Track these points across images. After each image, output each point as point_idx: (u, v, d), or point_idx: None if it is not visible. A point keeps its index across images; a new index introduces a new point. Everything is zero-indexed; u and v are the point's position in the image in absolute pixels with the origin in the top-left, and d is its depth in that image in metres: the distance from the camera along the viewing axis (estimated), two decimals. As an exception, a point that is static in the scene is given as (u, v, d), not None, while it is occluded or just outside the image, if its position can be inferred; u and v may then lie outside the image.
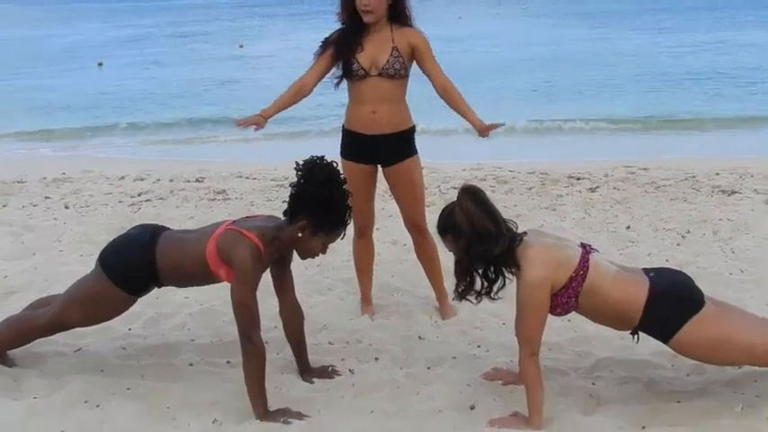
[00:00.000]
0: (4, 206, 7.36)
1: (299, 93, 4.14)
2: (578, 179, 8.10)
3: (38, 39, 39.83)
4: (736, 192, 7.27)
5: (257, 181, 8.47)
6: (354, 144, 4.20)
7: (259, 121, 4.04)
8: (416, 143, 4.29)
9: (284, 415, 3.25)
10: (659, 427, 3.10)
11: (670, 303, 3.15)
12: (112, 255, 3.54)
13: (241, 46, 34.67)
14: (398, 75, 4.07)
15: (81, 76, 24.18)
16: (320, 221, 3.30)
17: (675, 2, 42.40)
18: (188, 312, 4.45)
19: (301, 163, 3.35)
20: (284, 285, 3.67)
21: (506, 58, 22.94)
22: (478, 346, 3.98)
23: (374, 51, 4.03)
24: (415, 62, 4.16)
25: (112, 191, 8.09)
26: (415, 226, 4.38)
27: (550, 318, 3.23)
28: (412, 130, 4.23)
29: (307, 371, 3.69)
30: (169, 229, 3.67)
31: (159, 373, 3.68)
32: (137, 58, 30.02)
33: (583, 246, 3.27)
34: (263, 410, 3.25)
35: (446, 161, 9.06)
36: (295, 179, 3.34)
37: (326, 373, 3.69)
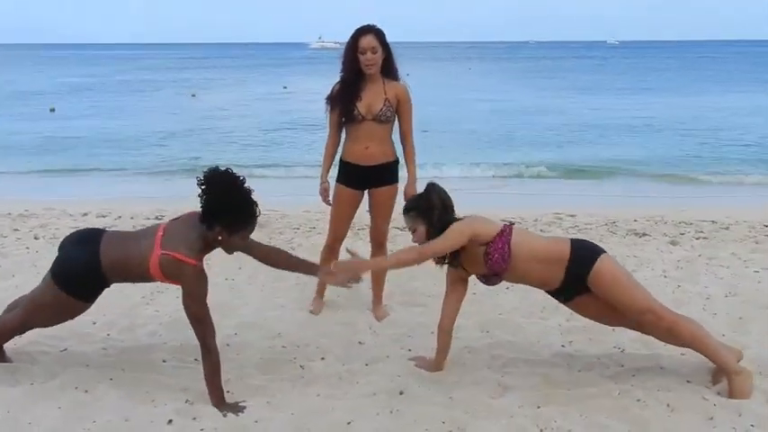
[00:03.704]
0: (-25, 238, 7.84)
1: (334, 151, 5.04)
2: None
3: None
4: (646, 234, 8.14)
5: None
6: (349, 172, 5.01)
7: (327, 189, 5.05)
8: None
9: (235, 408, 3.79)
10: (551, 406, 3.83)
11: (586, 245, 4.15)
12: (60, 264, 3.91)
13: (193, 95, 35.42)
14: (388, 120, 4.93)
15: (34, 120, 24.59)
16: (232, 225, 3.71)
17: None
18: (159, 322, 5.08)
19: (201, 177, 3.65)
20: (254, 251, 4.11)
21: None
22: (409, 350, 4.67)
23: (370, 100, 4.86)
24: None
25: (77, 225, 8.58)
26: (377, 239, 5.22)
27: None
28: (396, 162, 5.07)
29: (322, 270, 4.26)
30: (107, 231, 4.02)
31: (137, 367, 4.29)
32: (88, 103, 30.50)
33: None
34: (218, 401, 3.80)
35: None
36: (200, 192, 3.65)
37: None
